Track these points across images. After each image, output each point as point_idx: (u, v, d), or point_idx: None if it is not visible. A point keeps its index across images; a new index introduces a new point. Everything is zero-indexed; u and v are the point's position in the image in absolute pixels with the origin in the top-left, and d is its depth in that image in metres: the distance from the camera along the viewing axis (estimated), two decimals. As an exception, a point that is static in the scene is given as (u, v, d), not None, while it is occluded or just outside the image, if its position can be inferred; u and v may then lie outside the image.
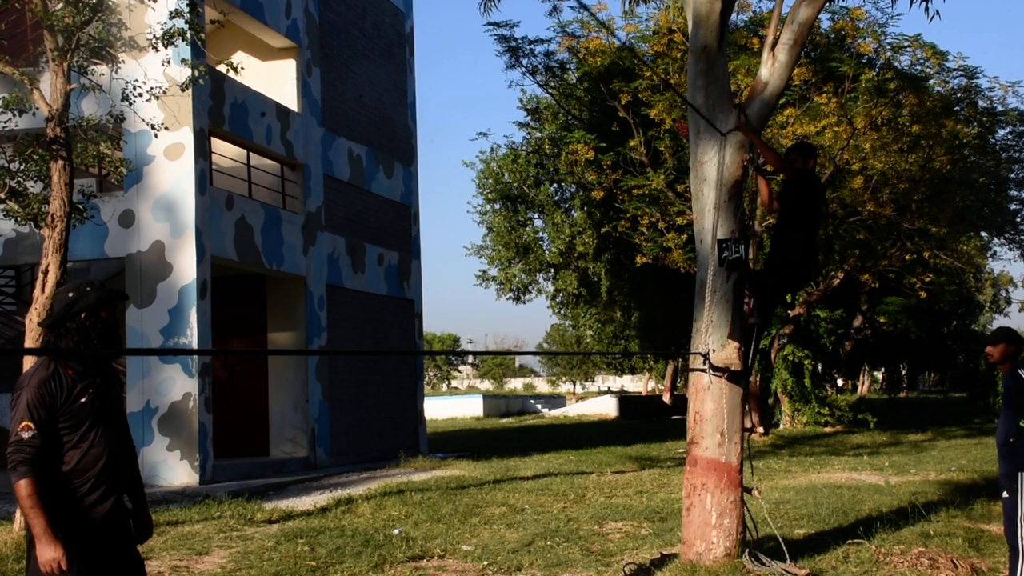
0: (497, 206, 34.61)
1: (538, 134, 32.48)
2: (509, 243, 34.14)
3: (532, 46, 25.63)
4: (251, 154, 18.02)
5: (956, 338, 53.82)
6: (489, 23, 28.14)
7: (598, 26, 23.73)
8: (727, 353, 7.95)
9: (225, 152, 17.88)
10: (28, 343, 10.52)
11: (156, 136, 14.85)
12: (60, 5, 10.95)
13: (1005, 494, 6.98)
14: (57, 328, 4.49)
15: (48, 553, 4.22)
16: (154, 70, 14.43)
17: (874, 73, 22.08)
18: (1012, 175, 26.89)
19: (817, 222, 8.31)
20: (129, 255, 15.86)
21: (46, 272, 10.72)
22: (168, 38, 11.63)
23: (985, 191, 26.29)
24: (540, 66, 26.32)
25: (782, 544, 8.11)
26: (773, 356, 27.57)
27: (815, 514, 10.78)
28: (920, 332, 36.04)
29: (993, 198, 26.90)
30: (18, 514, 9.97)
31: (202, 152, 15.91)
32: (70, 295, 4.50)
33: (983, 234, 30.90)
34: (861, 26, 22.03)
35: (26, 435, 4.24)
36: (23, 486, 4.21)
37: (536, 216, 34.45)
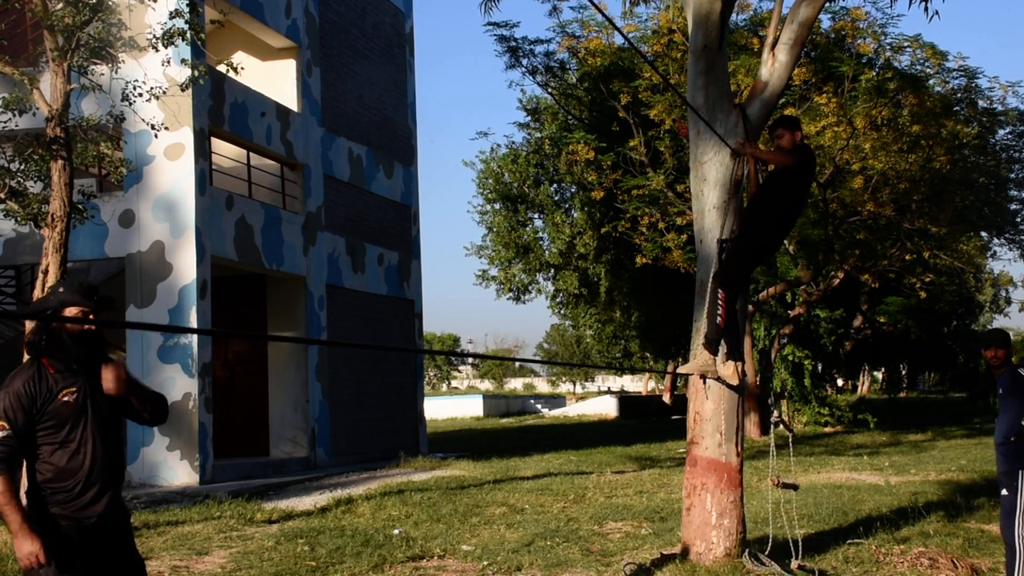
0: (497, 206, 34.62)
1: (538, 134, 32.49)
2: (509, 243, 34.15)
3: (532, 46, 25.65)
4: (251, 154, 18.02)
5: (956, 338, 53.83)
6: (489, 23, 28.17)
7: (598, 26, 23.75)
8: (728, 370, 7.90)
9: (225, 152, 17.88)
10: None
11: (156, 136, 14.85)
12: (60, 5, 10.95)
13: (1004, 492, 7.00)
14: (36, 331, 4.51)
15: (26, 547, 4.25)
16: (154, 70, 14.42)
17: (874, 73, 22.08)
18: (1012, 175, 26.89)
19: (804, 198, 8.17)
20: (129, 255, 15.86)
21: (46, 272, 10.72)
22: (168, 38, 11.64)
23: (985, 191, 26.29)
24: (540, 66, 26.33)
25: (801, 542, 8.12)
26: (773, 356, 27.57)
27: (815, 514, 10.78)
28: (920, 332, 36.05)
29: (993, 198, 26.90)
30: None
31: (202, 152, 15.91)
32: (46, 293, 4.56)
33: (983, 234, 30.91)
34: (861, 26, 22.03)
35: (1, 434, 4.28)
36: None
37: (536, 216, 34.47)
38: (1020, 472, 6.93)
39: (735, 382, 7.94)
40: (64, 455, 4.41)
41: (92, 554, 4.45)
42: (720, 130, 8.17)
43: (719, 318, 7.60)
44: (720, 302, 7.60)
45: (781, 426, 8.72)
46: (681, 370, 7.90)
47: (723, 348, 7.90)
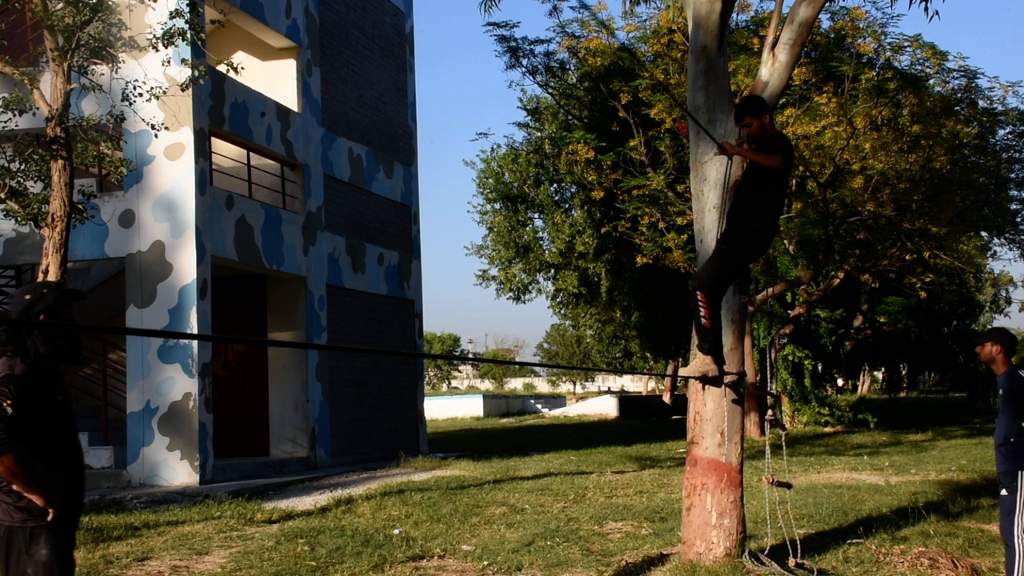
0: (497, 206, 34.62)
1: (538, 134, 32.49)
2: (509, 243, 34.15)
3: (532, 46, 25.64)
4: (251, 154, 18.03)
5: (956, 338, 53.83)
6: (489, 23, 28.17)
7: (598, 26, 23.75)
8: (702, 363, 7.81)
9: (225, 152, 17.88)
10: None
11: (156, 136, 14.85)
12: (60, 5, 10.95)
13: (1004, 492, 7.02)
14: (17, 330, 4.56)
15: (53, 496, 4.48)
16: (154, 70, 14.43)
17: (874, 73, 22.08)
18: (1012, 175, 26.87)
19: (784, 188, 7.62)
20: (129, 255, 15.86)
21: (46, 272, 10.72)
22: (168, 38, 11.63)
23: (985, 191, 26.28)
24: (540, 66, 26.32)
25: (800, 542, 8.11)
26: (773, 356, 27.57)
27: (815, 514, 10.78)
28: (920, 332, 36.05)
29: (993, 198, 26.89)
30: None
31: (202, 152, 15.92)
32: (27, 297, 4.60)
33: (983, 234, 30.90)
34: (861, 26, 22.02)
35: (10, 411, 4.37)
36: (8, 460, 4.34)
37: (536, 216, 34.46)
38: (1020, 472, 6.95)
39: (715, 374, 7.87)
40: (48, 448, 4.52)
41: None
42: (720, 130, 8.17)
43: (703, 320, 7.40)
44: (701, 303, 7.37)
45: (776, 426, 8.67)
46: (681, 373, 7.81)
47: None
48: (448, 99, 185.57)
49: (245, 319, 18.83)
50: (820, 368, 32.57)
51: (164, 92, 13.62)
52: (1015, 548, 6.99)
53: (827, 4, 8.73)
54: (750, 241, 7.39)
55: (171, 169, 15.68)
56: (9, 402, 4.36)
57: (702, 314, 7.39)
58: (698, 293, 7.38)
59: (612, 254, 30.01)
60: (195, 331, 15.34)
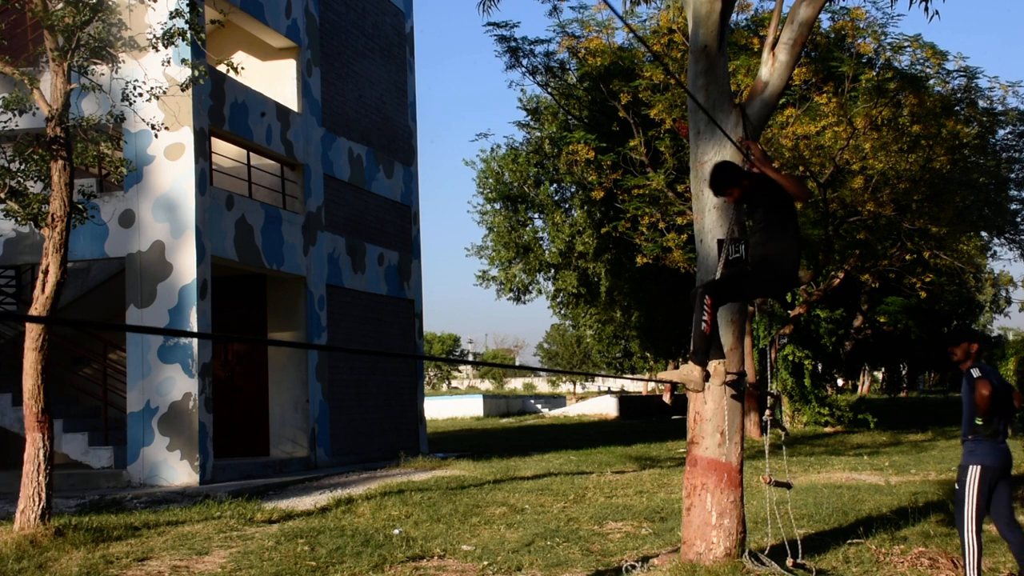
0: (497, 206, 34.62)
1: (538, 134, 32.49)
2: (509, 243, 34.14)
3: (532, 46, 25.64)
4: (251, 154, 18.03)
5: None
6: (489, 23, 28.15)
7: (598, 26, 23.76)
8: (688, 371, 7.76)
9: (225, 152, 17.88)
10: (28, 342, 10.53)
11: (156, 136, 14.85)
12: (60, 5, 10.94)
13: (956, 486, 7.24)
14: None
15: None
16: (154, 70, 14.43)
17: (874, 73, 22.08)
18: (1012, 175, 26.87)
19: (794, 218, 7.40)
20: (129, 255, 15.86)
21: (46, 272, 10.72)
22: (168, 38, 11.62)
23: (985, 191, 26.27)
24: (540, 66, 26.32)
25: (801, 542, 8.11)
26: (773, 356, 27.57)
27: (815, 514, 10.78)
28: (920, 332, 36.03)
29: (993, 198, 26.88)
30: (18, 514, 9.97)
31: (202, 152, 15.92)
32: None
33: (983, 234, 30.89)
34: (861, 26, 22.02)
35: None
36: None
37: (536, 216, 34.46)
38: (970, 467, 7.16)
39: (714, 383, 7.81)
40: None
41: None
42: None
43: (704, 325, 7.14)
44: (707, 309, 7.11)
45: (776, 427, 8.69)
46: (662, 376, 7.63)
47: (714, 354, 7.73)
48: (448, 99, 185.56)
49: (245, 319, 18.84)
50: (820, 368, 32.57)
51: (164, 92, 13.60)
52: (965, 543, 7.15)
53: (827, 4, 8.73)
54: (773, 274, 7.20)
55: (171, 169, 15.68)
56: None
57: (704, 319, 7.28)
58: (707, 298, 7.15)
59: (612, 254, 30.02)
60: (195, 331, 15.32)
